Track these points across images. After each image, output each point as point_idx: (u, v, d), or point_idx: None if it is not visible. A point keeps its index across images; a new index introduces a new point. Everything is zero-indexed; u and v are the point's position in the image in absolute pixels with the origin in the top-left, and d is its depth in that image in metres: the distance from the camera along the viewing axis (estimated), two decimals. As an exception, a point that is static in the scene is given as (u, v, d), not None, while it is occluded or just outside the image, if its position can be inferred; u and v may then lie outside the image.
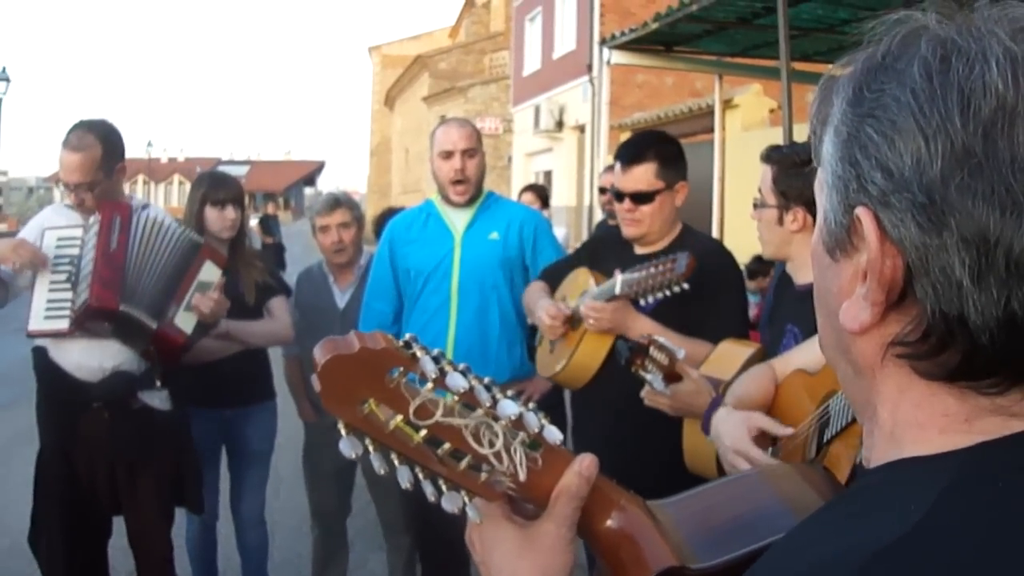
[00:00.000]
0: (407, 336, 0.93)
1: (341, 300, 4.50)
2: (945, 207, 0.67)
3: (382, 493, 4.62)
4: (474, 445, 0.94)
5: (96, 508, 3.72)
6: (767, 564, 0.76)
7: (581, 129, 20.70)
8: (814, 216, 2.58)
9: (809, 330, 2.33)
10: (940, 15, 0.72)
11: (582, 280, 3.43)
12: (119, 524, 3.88)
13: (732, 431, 2.02)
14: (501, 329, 3.96)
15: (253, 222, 18.96)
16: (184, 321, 3.67)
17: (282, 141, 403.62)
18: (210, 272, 3.76)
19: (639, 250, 3.35)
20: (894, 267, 0.70)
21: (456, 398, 0.92)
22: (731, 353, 2.75)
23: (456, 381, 0.91)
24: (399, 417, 0.92)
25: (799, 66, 9.98)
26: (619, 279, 3.01)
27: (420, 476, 0.96)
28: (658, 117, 16.95)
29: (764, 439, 2.02)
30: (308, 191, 76.95)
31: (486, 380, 0.93)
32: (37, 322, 3.58)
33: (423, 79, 36.94)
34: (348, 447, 0.93)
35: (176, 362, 3.76)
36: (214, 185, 4.20)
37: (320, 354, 0.90)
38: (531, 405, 0.95)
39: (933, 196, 0.67)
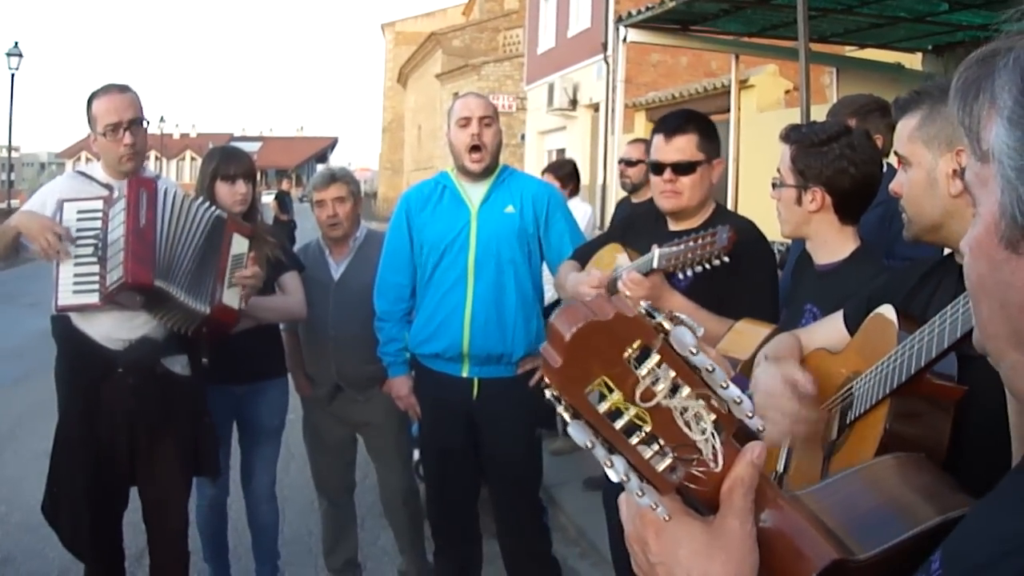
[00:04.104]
0: (643, 303, 0.84)
1: (336, 272, 4.51)
2: None
3: (384, 469, 4.66)
4: (685, 430, 0.84)
5: (115, 477, 3.75)
6: (991, 546, 0.76)
7: (595, 108, 20.57)
8: (832, 196, 2.56)
9: (829, 310, 2.31)
10: None
11: (612, 256, 3.41)
12: (131, 499, 3.89)
13: (769, 382, 1.96)
14: (518, 303, 3.95)
15: (269, 198, 18.93)
16: (230, 298, 3.78)
17: (295, 117, 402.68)
18: (240, 244, 3.83)
19: (673, 227, 3.33)
20: None
21: (674, 376, 0.82)
22: (749, 332, 2.73)
23: (704, 360, 0.81)
24: (617, 395, 0.82)
25: (816, 47, 9.89)
26: (656, 253, 2.98)
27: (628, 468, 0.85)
28: (673, 96, 16.85)
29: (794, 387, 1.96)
30: (321, 168, 77.05)
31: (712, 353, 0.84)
32: (66, 297, 3.62)
33: (436, 56, 36.79)
34: (581, 435, 0.83)
35: (225, 338, 3.85)
36: (225, 160, 4.20)
37: (567, 322, 0.79)
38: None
39: None
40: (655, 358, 0.81)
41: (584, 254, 3.68)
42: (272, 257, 4.13)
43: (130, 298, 3.60)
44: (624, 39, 11.68)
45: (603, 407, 0.82)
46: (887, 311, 1.79)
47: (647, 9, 10.89)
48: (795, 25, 7.76)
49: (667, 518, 0.90)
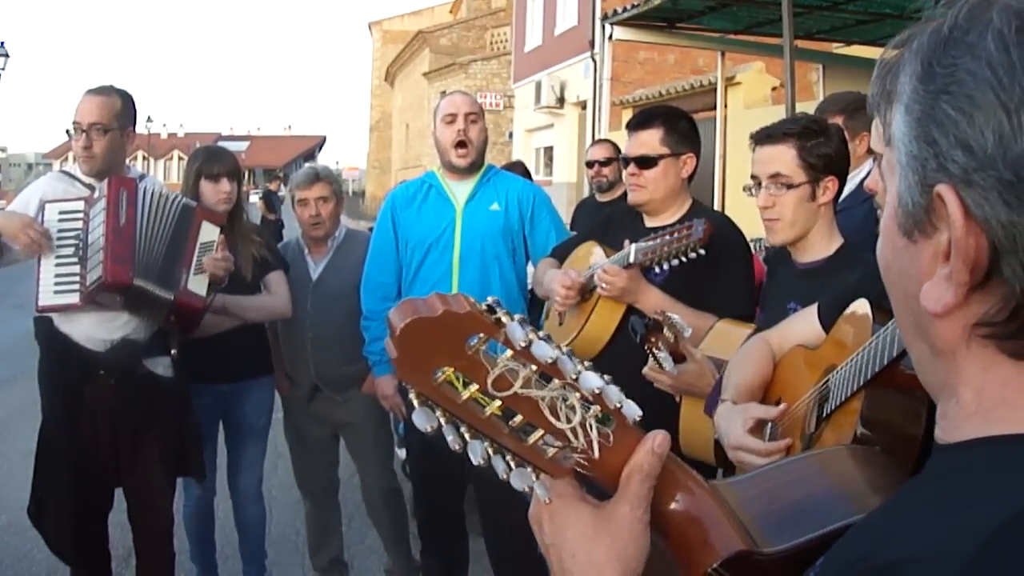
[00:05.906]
0: (489, 299, 0.87)
1: (315, 271, 4.50)
2: None
3: (364, 469, 4.66)
4: (551, 419, 0.87)
5: (99, 478, 3.75)
6: (856, 548, 0.74)
7: (583, 106, 20.59)
8: (840, 182, 2.56)
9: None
10: None
11: (588, 253, 3.43)
12: (118, 500, 3.89)
13: (731, 428, 2.00)
14: (503, 300, 3.94)
15: (255, 198, 18.87)
16: (197, 285, 3.74)
17: (282, 116, 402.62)
18: (209, 232, 3.81)
19: (649, 223, 3.35)
20: (978, 246, 0.68)
21: (535, 368, 0.85)
22: (730, 333, 2.73)
23: (543, 351, 0.84)
24: (474, 387, 0.86)
25: (802, 44, 9.95)
26: (632, 248, 3.01)
27: (490, 452, 0.89)
28: (660, 94, 16.87)
29: (760, 427, 2.01)
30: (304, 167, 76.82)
31: (565, 348, 0.86)
32: (47, 297, 3.62)
33: (424, 55, 36.75)
34: (422, 420, 0.87)
35: (195, 327, 3.83)
36: (209, 159, 4.19)
37: (398, 317, 0.83)
38: (607, 378, 0.88)
39: (1020, 173, 0.65)
40: (508, 351, 0.84)
41: (563, 252, 3.70)
42: (257, 256, 4.14)
43: (110, 298, 3.60)
44: (610, 36, 11.71)
45: (463, 396, 0.86)
46: (862, 305, 1.80)
47: (633, 7, 10.92)
48: (781, 22, 7.79)
49: (547, 500, 0.93)
